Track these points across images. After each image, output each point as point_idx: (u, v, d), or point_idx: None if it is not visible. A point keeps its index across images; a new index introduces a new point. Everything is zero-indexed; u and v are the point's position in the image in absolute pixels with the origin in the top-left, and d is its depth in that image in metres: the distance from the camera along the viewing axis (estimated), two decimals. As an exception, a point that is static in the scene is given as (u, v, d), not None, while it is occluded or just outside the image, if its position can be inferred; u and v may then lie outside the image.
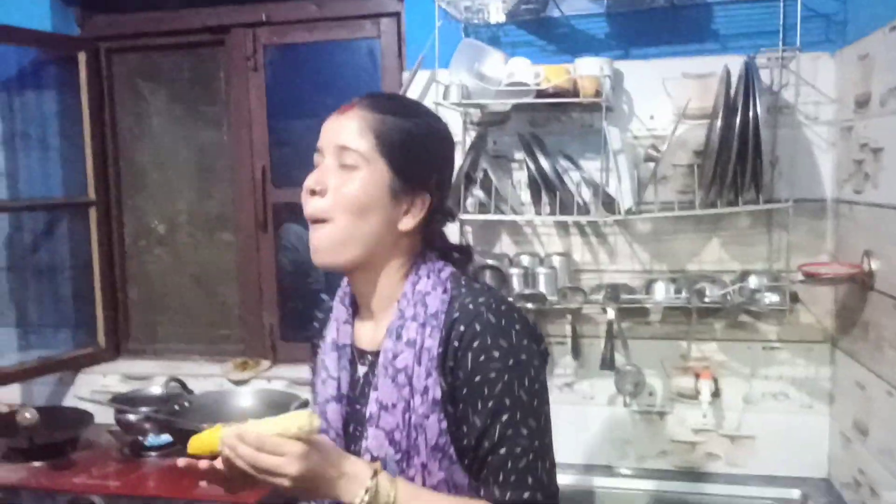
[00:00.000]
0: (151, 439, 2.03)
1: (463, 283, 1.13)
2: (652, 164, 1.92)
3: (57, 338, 2.58)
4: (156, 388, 2.21)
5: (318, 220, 1.09)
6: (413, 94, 2.13)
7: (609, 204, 1.92)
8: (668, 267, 2.03)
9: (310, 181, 1.10)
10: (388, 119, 1.10)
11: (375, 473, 1.01)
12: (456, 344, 1.05)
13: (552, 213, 1.91)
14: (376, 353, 1.12)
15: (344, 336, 1.17)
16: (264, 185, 2.39)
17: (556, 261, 2.04)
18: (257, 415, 2.03)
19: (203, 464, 1.06)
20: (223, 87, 2.44)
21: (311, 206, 1.10)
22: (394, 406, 1.07)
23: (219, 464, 1.05)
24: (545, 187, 1.92)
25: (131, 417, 2.03)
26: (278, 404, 2.02)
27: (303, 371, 2.37)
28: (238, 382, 2.34)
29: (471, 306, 1.07)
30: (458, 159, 1.83)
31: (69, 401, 2.43)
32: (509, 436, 1.03)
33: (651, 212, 1.94)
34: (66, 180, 2.53)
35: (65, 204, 2.52)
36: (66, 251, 2.59)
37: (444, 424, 1.05)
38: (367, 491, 0.99)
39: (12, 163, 2.52)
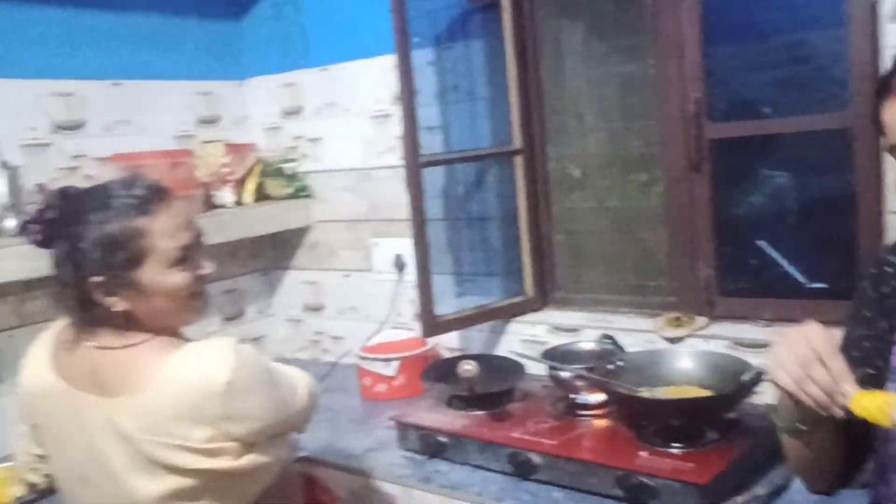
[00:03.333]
0: (584, 397, 1.94)
1: None
2: None
3: (489, 286, 2.63)
4: (587, 344, 2.11)
5: None
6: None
7: None
8: None
9: None
10: None
11: None
12: None
13: None
14: None
15: None
16: (698, 120, 2.13)
17: None
18: (698, 379, 1.84)
19: None
20: (650, 13, 2.21)
21: None
22: None
23: None
24: None
25: (564, 374, 1.96)
26: (723, 368, 1.79)
27: (746, 330, 2.11)
28: (671, 339, 2.14)
29: None
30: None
31: (500, 349, 2.47)
32: None
33: None
34: (493, 130, 2.54)
35: (492, 154, 2.53)
36: (494, 201, 2.62)
37: None
38: None
39: (445, 116, 2.60)
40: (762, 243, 2.47)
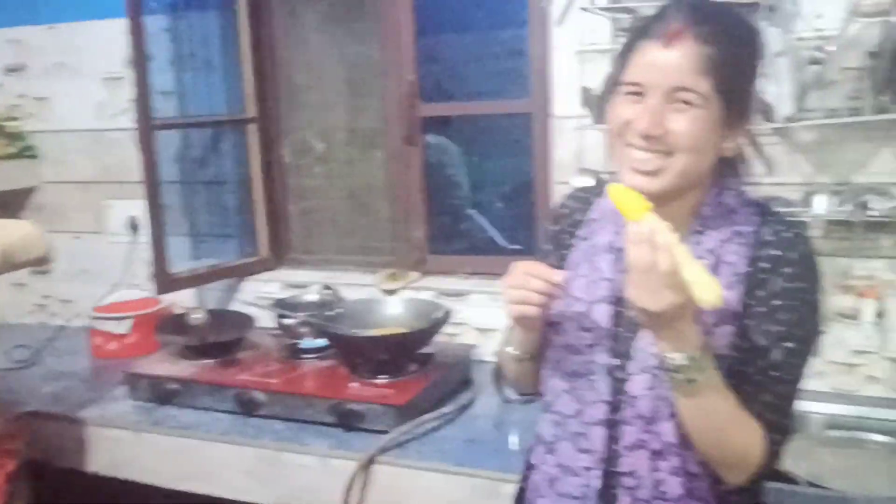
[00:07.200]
0: (307, 342, 2.16)
1: (772, 209, 1.16)
2: (816, 68, 1.78)
3: (224, 247, 2.76)
4: (311, 295, 2.34)
5: (655, 159, 1.06)
6: None
7: (767, 111, 1.80)
8: (832, 179, 1.90)
9: (646, 126, 1.04)
10: (725, 51, 1.03)
11: (703, 350, 1.01)
12: (765, 265, 1.08)
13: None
14: None
15: (624, 240, 1.12)
16: (412, 99, 2.42)
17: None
18: (404, 321, 2.13)
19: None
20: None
21: (645, 153, 1.05)
22: None
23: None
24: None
25: (289, 321, 2.17)
26: (422, 313, 2.10)
27: (450, 283, 2.45)
28: (388, 292, 2.42)
29: (786, 234, 1.09)
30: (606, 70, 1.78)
31: (235, 305, 2.62)
32: (787, 363, 1.07)
33: (814, 119, 1.81)
34: (230, 98, 2.66)
35: (227, 121, 2.66)
36: (231, 166, 2.75)
37: (735, 338, 1.07)
38: (688, 358, 1.00)
39: (181, 82, 2.67)
40: (472, 211, 2.85)
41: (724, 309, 1.04)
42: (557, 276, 1.11)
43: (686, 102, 1.03)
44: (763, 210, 1.14)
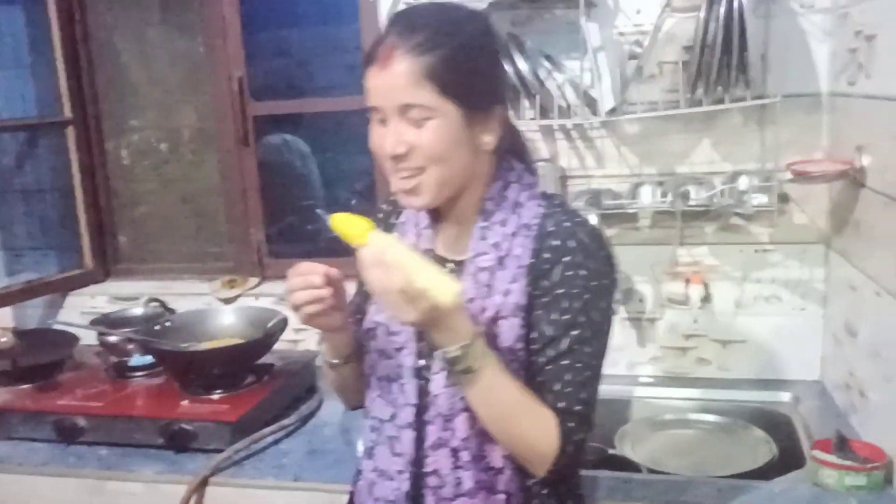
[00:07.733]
0: (135, 360, 2.02)
1: (556, 201, 1.17)
2: (635, 63, 1.83)
3: (46, 261, 2.56)
4: (138, 309, 2.20)
5: (411, 178, 1.08)
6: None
7: (593, 105, 1.83)
8: (658, 170, 1.95)
9: (389, 148, 1.06)
10: (438, 55, 1.04)
11: (475, 337, 1.03)
12: (547, 256, 1.09)
13: (533, 117, 1.84)
14: (460, 262, 1.15)
15: (425, 241, 1.18)
16: (241, 98, 2.31)
17: (542, 167, 1.96)
18: (239, 332, 2.03)
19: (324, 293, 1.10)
20: (195, -7, 2.33)
21: (401, 172, 1.08)
22: (470, 301, 1.09)
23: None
24: (524, 91, 1.83)
25: (112, 339, 2.02)
26: (259, 321, 2.00)
27: (291, 287, 2.36)
28: (227, 300, 2.31)
29: (566, 224, 1.11)
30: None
31: (60, 323, 2.42)
32: (575, 350, 1.08)
33: (635, 112, 1.85)
34: (44, 99, 2.46)
35: (40, 124, 2.45)
36: (49, 172, 2.54)
37: (524, 330, 1.08)
38: (461, 348, 1.01)
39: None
40: (320, 211, 2.76)
41: (511, 302, 1.08)
42: (332, 270, 1.10)
43: (422, 118, 1.05)
44: (548, 202, 1.16)
